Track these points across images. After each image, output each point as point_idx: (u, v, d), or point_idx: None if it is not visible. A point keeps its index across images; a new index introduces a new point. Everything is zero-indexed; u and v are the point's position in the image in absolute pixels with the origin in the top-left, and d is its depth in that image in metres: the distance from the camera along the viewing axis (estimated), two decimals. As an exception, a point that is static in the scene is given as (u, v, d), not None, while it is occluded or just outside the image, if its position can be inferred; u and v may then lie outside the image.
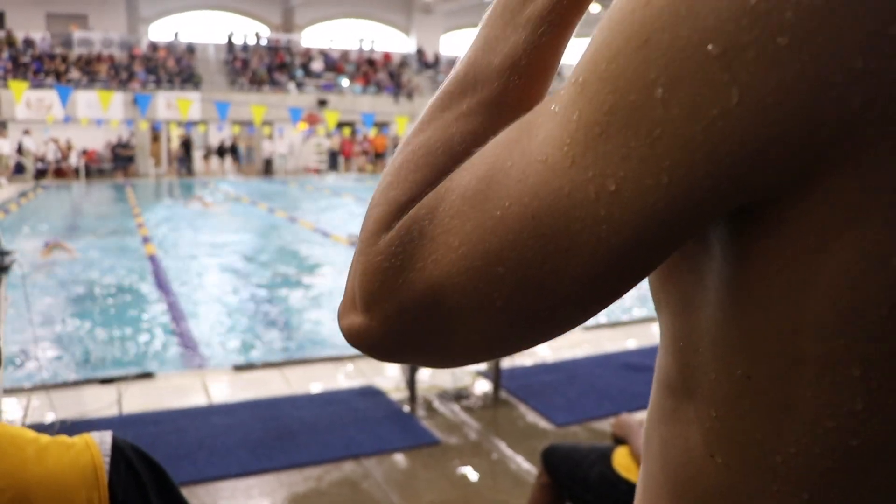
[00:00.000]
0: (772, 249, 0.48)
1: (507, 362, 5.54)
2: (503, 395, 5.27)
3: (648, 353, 6.04)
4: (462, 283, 0.51)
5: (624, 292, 0.51)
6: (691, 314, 0.57)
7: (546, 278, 0.49)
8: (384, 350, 0.59)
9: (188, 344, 6.85)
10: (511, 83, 0.61)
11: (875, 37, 0.40)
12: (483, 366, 5.50)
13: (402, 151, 0.61)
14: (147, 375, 5.75)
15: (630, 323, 7.29)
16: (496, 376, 5.31)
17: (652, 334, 6.73)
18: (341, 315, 0.61)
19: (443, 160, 0.58)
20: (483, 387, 5.42)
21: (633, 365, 5.69)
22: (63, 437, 1.40)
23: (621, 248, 0.47)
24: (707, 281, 0.54)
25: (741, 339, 0.51)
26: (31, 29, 35.70)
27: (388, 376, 5.61)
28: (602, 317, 7.90)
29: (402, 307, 0.54)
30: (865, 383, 0.47)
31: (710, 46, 0.42)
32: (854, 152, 0.43)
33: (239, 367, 5.94)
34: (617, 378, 5.43)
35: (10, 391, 5.36)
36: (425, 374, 5.41)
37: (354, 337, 0.59)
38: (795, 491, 0.52)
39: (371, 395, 5.25)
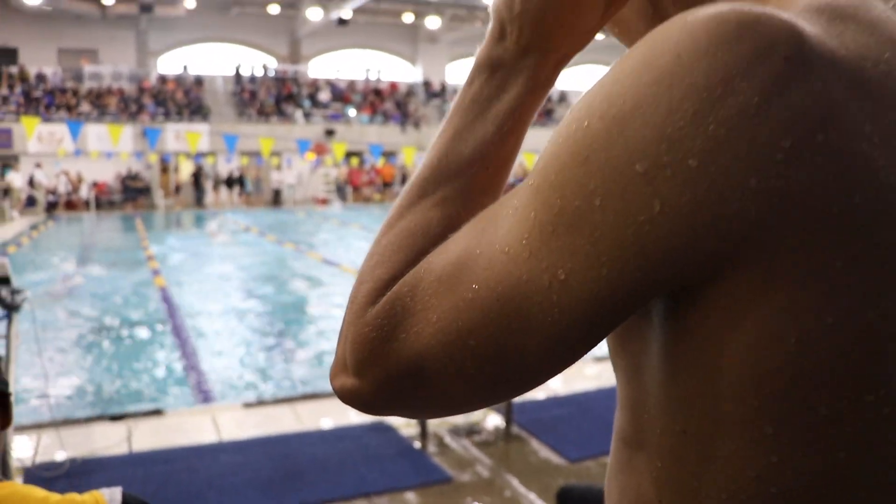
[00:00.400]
0: (694, 326, 0.57)
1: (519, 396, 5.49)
2: (515, 429, 5.24)
3: (661, 385, 6.02)
4: (439, 353, 0.61)
5: (579, 358, 0.61)
6: (640, 376, 0.66)
7: (510, 350, 0.59)
8: (375, 408, 0.67)
9: (198, 379, 6.84)
10: (480, 172, 0.72)
11: (765, 161, 0.51)
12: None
13: (386, 233, 0.70)
14: (157, 412, 5.73)
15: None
16: (508, 411, 5.27)
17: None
18: (333, 376, 0.68)
19: (422, 242, 0.67)
20: (494, 421, 5.39)
21: (645, 398, 5.66)
22: (73, 496, 1.38)
23: (571, 328, 0.57)
24: (651, 349, 0.63)
25: (677, 400, 0.61)
26: (43, 64, 36.08)
27: (398, 411, 5.58)
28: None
29: (389, 373, 0.63)
30: (777, 439, 0.56)
31: (637, 166, 0.53)
32: (754, 253, 0.53)
33: (249, 404, 5.91)
34: (629, 411, 5.41)
35: (20, 428, 5.34)
36: (436, 409, 5.38)
37: (347, 396, 0.67)
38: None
39: (382, 430, 5.22)
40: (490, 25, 0.76)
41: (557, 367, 0.61)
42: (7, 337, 4.60)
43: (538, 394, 5.89)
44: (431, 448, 4.98)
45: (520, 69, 0.74)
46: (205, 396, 6.41)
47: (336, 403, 5.83)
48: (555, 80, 0.76)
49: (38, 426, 5.45)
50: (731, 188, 0.51)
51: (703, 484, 0.60)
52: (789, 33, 0.53)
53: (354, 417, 5.53)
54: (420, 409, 0.69)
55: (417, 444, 5.00)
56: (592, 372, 6.47)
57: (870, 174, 0.53)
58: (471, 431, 5.23)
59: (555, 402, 5.72)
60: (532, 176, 0.60)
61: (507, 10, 0.73)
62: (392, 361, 0.62)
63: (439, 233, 0.67)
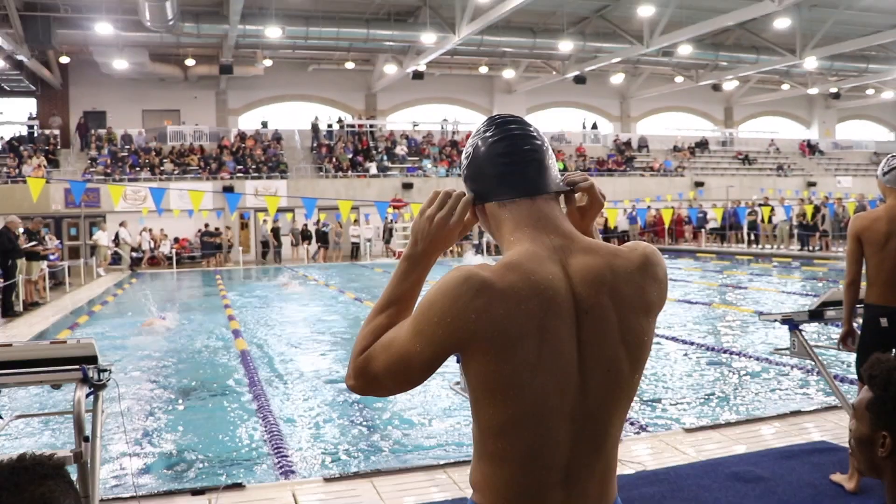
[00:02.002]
0: (467, 364, 1.73)
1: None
2: (604, 509, 5.01)
3: (757, 460, 5.69)
4: (383, 371, 1.78)
5: (430, 373, 1.76)
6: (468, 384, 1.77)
7: (407, 370, 1.76)
8: (361, 392, 1.84)
9: (278, 449, 6.77)
10: (401, 304, 1.86)
11: (468, 321, 1.66)
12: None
13: (366, 326, 1.84)
14: (237, 486, 5.66)
15: (734, 424, 6.90)
16: (595, 489, 5.06)
17: (755, 438, 6.38)
18: (347, 380, 1.85)
19: (379, 332, 1.82)
20: (582, 499, 5.17)
21: (741, 475, 5.30)
22: None
23: (424, 364, 1.74)
24: (465, 372, 1.76)
25: (470, 392, 1.76)
26: (129, 125, 37.31)
27: (482, 488, 5.40)
28: (702, 416, 7.61)
29: (366, 379, 1.81)
30: (492, 405, 1.71)
31: (435, 318, 1.68)
32: (470, 347, 1.69)
33: (329, 478, 5.81)
34: (725, 492, 5.06)
35: (104, 500, 5.32)
36: (521, 487, 5.19)
37: (351, 389, 1.83)
38: (490, 440, 1.75)
39: (465, 509, 5.05)
40: (410, 239, 1.89)
41: (424, 375, 1.76)
42: (93, 413, 4.61)
43: (625, 469, 5.65)
44: (517, 530, 4.79)
45: (421, 261, 1.87)
46: (285, 468, 6.33)
47: (417, 479, 5.71)
48: (434, 263, 1.90)
49: (120, 499, 5.44)
50: (460, 329, 1.66)
51: (479, 426, 1.75)
52: (480, 280, 1.66)
53: (436, 495, 5.39)
54: (377, 391, 1.83)
55: (502, 525, 4.82)
56: (682, 444, 6.21)
57: (502, 326, 1.65)
58: (558, 512, 5.03)
59: (644, 478, 5.44)
60: (413, 313, 1.76)
61: (420, 234, 1.86)
62: (368, 375, 1.78)
63: (385, 328, 1.81)
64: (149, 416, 8.36)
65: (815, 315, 5.94)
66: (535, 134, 1.90)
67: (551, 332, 1.69)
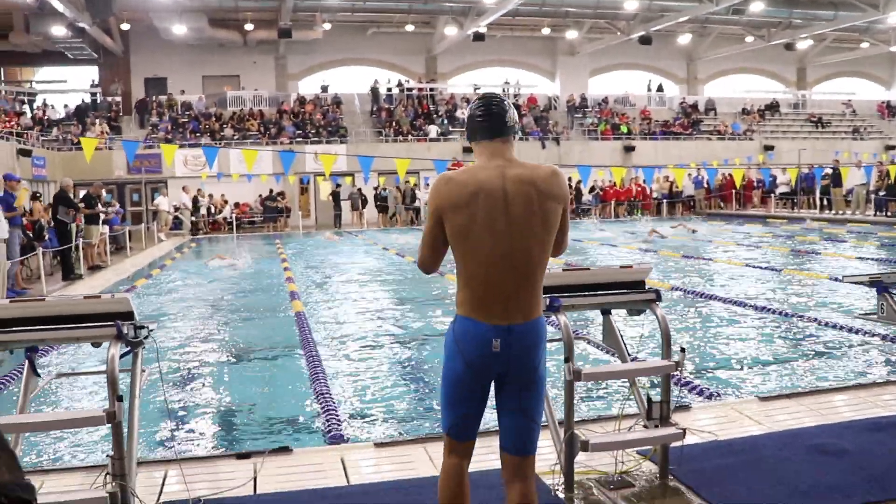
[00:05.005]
0: (445, 226, 3.27)
1: (676, 441, 4.86)
2: (671, 482, 4.64)
3: (840, 431, 5.24)
4: (422, 248, 3.38)
5: (442, 244, 3.31)
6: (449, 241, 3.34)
7: (426, 239, 3.34)
8: (420, 268, 3.43)
9: (328, 413, 6.50)
10: None
11: (442, 197, 3.22)
12: (647, 448, 4.89)
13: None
14: (284, 450, 5.41)
15: (810, 393, 6.41)
16: (663, 459, 4.69)
17: (835, 408, 5.90)
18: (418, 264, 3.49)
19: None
20: (648, 470, 4.81)
21: (824, 447, 4.87)
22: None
23: (433, 232, 3.29)
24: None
25: (451, 247, 3.29)
26: (189, 91, 37.38)
27: (541, 456, 5.06)
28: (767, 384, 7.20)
29: (419, 259, 3.44)
30: (459, 252, 3.23)
31: (430, 200, 3.29)
32: (442, 215, 3.24)
33: (380, 443, 5.52)
34: (807, 465, 4.64)
35: (144, 463, 5.11)
36: (583, 457, 4.83)
37: (419, 267, 3.46)
38: (462, 275, 3.26)
39: (522, 479, 4.69)
40: None
41: (435, 242, 3.29)
42: (132, 372, 4.39)
43: (694, 438, 5.24)
44: (577, 502, 4.45)
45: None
46: (335, 433, 6.06)
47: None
48: None
49: (163, 461, 5.23)
50: (438, 202, 3.22)
51: (457, 268, 3.27)
52: (448, 177, 3.25)
53: (496, 462, 5.05)
54: (424, 264, 3.39)
55: (562, 495, 4.48)
56: (756, 414, 5.77)
57: (454, 199, 3.18)
58: (622, 483, 4.66)
59: (717, 449, 5.03)
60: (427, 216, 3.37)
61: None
62: (419, 255, 3.42)
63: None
64: (197, 377, 8.19)
65: (908, 275, 5.44)
66: (502, 103, 3.33)
67: (484, 205, 3.12)
